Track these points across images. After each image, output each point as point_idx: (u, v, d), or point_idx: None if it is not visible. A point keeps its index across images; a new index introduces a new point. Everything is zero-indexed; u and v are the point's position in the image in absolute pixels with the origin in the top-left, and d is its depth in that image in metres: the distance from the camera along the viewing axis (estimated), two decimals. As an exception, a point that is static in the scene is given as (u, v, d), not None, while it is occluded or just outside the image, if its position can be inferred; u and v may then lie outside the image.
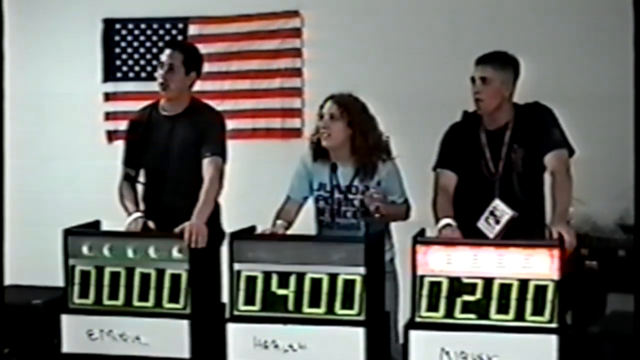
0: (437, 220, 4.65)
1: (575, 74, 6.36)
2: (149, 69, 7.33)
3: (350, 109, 4.93)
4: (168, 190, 5.15)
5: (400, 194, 5.00)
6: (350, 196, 4.97)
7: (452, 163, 4.83)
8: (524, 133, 4.77)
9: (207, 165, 5.01)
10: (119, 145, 5.44)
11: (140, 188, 5.24)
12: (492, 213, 4.72)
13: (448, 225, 4.58)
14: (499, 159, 4.78)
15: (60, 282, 4.78)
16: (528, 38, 6.32)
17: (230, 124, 6.81)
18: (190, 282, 4.60)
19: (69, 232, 4.75)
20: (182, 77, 5.14)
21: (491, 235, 4.67)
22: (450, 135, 4.92)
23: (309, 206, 5.09)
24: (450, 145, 4.89)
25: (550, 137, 4.73)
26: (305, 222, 5.06)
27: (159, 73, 5.16)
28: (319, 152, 5.02)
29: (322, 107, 4.99)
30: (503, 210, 4.70)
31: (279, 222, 4.87)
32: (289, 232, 4.90)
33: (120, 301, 4.67)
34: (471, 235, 4.62)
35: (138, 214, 5.00)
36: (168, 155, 5.14)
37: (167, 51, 5.20)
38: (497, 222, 4.70)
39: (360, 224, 4.93)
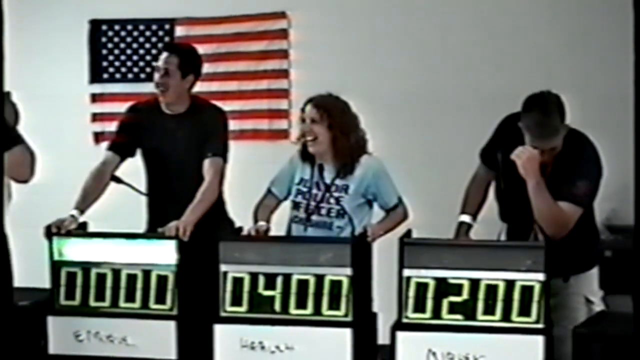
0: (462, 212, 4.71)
1: (568, 74, 6.34)
2: (135, 70, 7.32)
3: (330, 111, 4.87)
4: (173, 186, 5.14)
5: (393, 193, 4.94)
6: (327, 194, 4.94)
7: (491, 159, 4.76)
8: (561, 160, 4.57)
9: (208, 166, 5.01)
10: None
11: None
12: None
13: (464, 223, 4.66)
14: None
15: (46, 283, 4.77)
16: (520, 38, 6.33)
17: (218, 126, 6.80)
18: (177, 283, 4.59)
19: (54, 234, 4.74)
20: (178, 81, 5.10)
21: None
22: (502, 125, 4.79)
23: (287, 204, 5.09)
24: (497, 136, 4.78)
25: (570, 190, 4.46)
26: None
27: (155, 76, 5.13)
28: (307, 154, 4.98)
29: (303, 110, 4.96)
30: None
31: (261, 223, 4.84)
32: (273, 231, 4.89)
33: (106, 302, 4.67)
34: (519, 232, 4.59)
35: (74, 212, 4.90)
36: (171, 154, 5.12)
37: (163, 55, 5.16)
38: None
39: (332, 224, 4.89)
